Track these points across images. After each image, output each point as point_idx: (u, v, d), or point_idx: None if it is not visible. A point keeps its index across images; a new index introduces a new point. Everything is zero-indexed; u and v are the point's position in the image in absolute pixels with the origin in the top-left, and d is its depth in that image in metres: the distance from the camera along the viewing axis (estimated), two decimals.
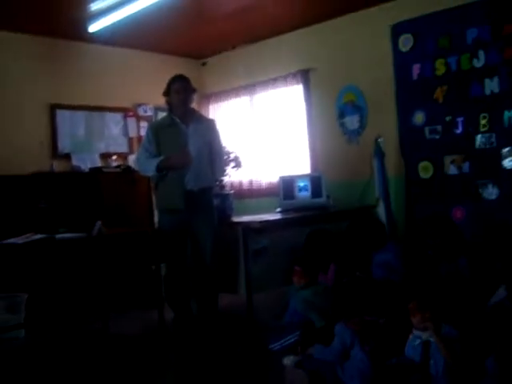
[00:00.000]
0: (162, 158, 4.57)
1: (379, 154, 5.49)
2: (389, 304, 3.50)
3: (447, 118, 5.34)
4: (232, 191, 5.48)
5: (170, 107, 4.75)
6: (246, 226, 4.52)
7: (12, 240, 3.98)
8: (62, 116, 6.39)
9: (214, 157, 4.83)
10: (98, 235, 4.26)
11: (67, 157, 6.32)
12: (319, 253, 4.61)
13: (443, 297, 3.35)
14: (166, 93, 4.73)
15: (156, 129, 4.71)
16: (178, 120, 4.67)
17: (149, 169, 4.65)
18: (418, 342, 3.02)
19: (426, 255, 4.39)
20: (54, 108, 6.31)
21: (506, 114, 4.97)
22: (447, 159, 5.36)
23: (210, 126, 4.90)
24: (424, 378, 2.92)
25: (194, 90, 4.80)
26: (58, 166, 6.11)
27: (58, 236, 4.12)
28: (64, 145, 6.35)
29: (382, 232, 4.84)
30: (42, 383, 3.75)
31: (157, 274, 4.67)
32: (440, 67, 5.37)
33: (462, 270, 4.10)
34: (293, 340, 3.75)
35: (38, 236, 4.09)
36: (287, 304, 4.21)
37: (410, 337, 3.09)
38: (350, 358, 3.23)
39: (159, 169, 4.56)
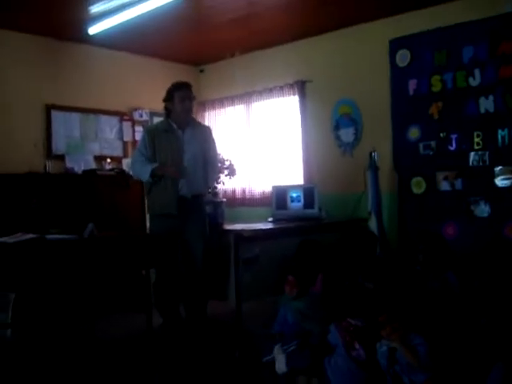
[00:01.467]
0: (156, 165, 4.58)
1: (373, 167, 5.50)
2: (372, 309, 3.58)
3: (441, 135, 5.37)
4: (224, 199, 5.50)
5: (168, 113, 4.76)
6: (238, 234, 4.51)
7: (2, 239, 3.96)
8: (57, 117, 6.38)
9: (208, 164, 4.84)
10: (89, 237, 4.25)
11: (61, 158, 6.31)
12: (309, 263, 4.60)
13: (423, 310, 3.46)
14: (168, 99, 4.72)
15: (153, 133, 4.72)
16: (175, 126, 4.68)
17: (143, 174, 4.65)
18: (384, 348, 3.22)
19: (414, 270, 4.41)
20: (49, 109, 6.29)
21: (500, 132, 5.01)
22: (440, 175, 5.39)
23: (205, 132, 4.92)
24: None
25: (194, 98, 4.83)
26: (52, 166, 6.09)
27: (49, 236, 4.10)
28: (58, 146, 6.34)
29: (373, 243, 4.86)
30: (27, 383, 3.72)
31: (146, 279, 4.65)
32: (436, 84, 5.41)
33: (450, 285, 4.12)
34: (289, 350, 3.72)
35: (29, 236, 4.07)
36: (276, 313, 4.19)
37: (378, 344, 3.27)
38: (335, 355, 3.36)
39: (153, 175, 4.57)
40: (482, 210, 5.10)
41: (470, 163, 5.19)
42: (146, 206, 4.98)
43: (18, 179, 5.53)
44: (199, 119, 7.16)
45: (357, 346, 3.33)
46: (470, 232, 5.14)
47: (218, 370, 3.95)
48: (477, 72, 5.14)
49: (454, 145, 5.31)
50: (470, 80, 5.18)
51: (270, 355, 3.75)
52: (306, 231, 5.15)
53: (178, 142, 4.64)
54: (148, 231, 4.97)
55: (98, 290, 5.10)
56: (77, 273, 4.21)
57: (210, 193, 5.18)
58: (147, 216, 5.57)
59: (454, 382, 3.10)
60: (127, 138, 7.02)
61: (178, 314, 4.81)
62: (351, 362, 3.28)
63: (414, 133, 5.59)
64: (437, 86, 5.41)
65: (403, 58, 5.66)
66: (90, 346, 4.58)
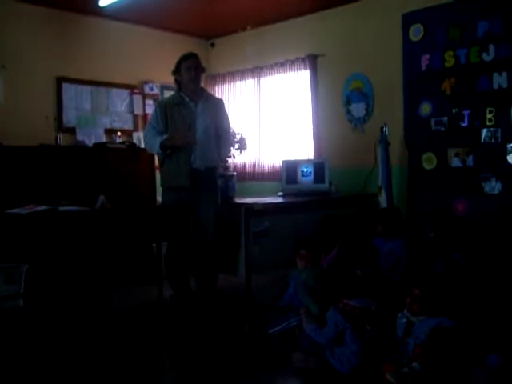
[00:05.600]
0: (165, 136, 4.59)
1: (384, 142, 5.48)
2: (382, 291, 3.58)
3: (454, 111, 5.33)
4: (235, 173, 5.50)
5: (179, 85, 4.76)
6: (249, 207, 4.52)
7: (15, 210, 3.98)
8: (68, 90, 6.39)
9: (221, 137, 4.84)
10: (100, 209, 4.27)
11: (72, 131, 6.33)
12: (331, 237, 4.61)
13: (436, 289, 3.44)
14: (176, 71, 4.72)
15: (165, 106, 4.72)
16: (187, 99, 4.67)
17: (153, 147, 4.67)
18: (403, 320, 3.26)
19: (423, 247, 4.41)
20: (60, 81, 6.30)
21: None
22: (451, 151, 5.36)
23: (218, 105, 4.91)
24: None
25: (203, 69, 4.81)
26: (63, 139, 6.10)
27: (62, 208, 4.13)
28: (69, 119, 6.37)
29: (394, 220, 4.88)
30: (38, 353, 3.77)
31: (157, 251, 4.69)
32: (449, 59, 5.35)
33: (457, 265, 4.12)
34: (294, 324, 3.75)
35: (42, 207, 4.10)
36: (286, 286, 4.22)
37: (399, 315, 3.31)
38: (344, 344, 3.32)
39: (163, 147, 4.58)
40: (493, 187, 5.07)
41: (482, 140, 5.15)
42: (157, 179, 5.00)
43: (29, 152, 5.55)
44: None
45: (368, 327, 3.32)
46: (480, 209, 5.12)
47: (227, 342, 4.00)
48: (491, 47, 5.06)
49: (466, 121, 5.26)
50: (484, 55, 5.11)
51: (276, 327, 3.81)
52: (317, 206, 5.16)
53: (190, 114, 4.64)
54: (159, 204, 4.98)
55: (110, 262, 5.14)
56: (89, 244, 4.23)
57: (222, 166, 5.17)
58: (157, 189, 5.59)
59: None
60: (138, 111, 7.02)
61: (188, 287, 4.86)
62: (362, 344, 3.26)
63: (425, 108, 5.54)
64: (450, 62, 5.34)
65: (416, 32, 5.59)
66: (101, 316, 4.63)
